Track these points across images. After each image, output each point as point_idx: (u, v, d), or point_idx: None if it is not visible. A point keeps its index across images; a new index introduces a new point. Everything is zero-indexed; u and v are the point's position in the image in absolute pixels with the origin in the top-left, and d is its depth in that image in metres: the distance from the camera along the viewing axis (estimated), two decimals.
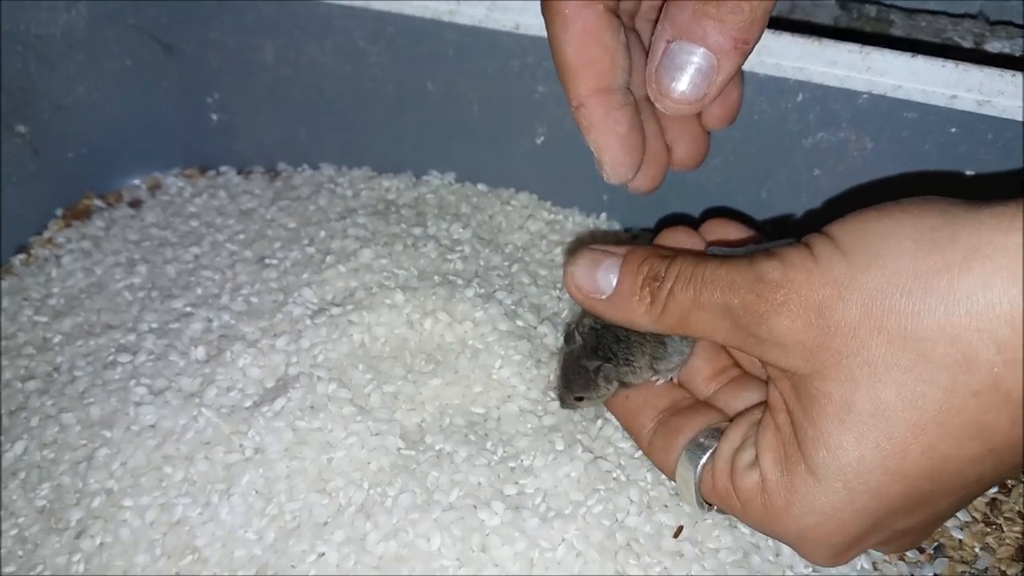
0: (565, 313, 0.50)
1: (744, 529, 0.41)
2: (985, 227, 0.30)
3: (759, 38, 0.35)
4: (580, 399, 0.42)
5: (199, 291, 0.51)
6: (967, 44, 0.56)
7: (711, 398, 0.41)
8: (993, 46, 0.55)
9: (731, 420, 0.39)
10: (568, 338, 0.42)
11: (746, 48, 0.35)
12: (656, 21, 0.37)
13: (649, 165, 0.40)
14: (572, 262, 0.39)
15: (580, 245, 0.45)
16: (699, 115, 0.42)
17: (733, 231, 0.42)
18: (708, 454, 0.38)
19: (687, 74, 0.35)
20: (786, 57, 0.47)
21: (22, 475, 0.44)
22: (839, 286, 0.32)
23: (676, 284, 0.36)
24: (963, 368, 0.30)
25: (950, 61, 0.45)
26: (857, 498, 0.33)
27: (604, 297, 0.38)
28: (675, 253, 0.37)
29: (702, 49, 0.34)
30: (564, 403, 0.43)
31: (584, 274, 0.38)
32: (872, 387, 0.31)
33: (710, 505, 0.39)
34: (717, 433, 0.39)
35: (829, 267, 0.32)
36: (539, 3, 0.38)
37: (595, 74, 0.37)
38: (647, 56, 0.37)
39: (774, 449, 0.35)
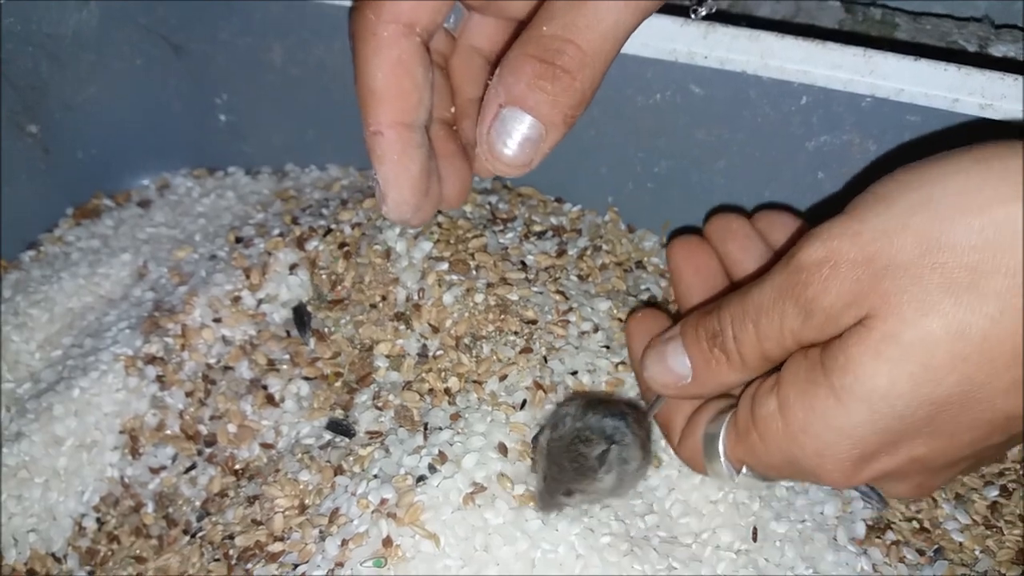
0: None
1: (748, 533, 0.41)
2: None
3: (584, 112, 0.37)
4: (570, 494, 0.40)
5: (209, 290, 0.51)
6: (972, 48, 0.56)
7: None
8: (998, 49, 0.55)
9: None
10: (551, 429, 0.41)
11: (572, 122, 0.36)
12: (491, 62, 0.39)
13: (427, 205, 0.40)
14: (643, 367, 0.40)
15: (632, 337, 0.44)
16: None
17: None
18: (730, 415, 0.38)
19: (516, 140, 0.36)
20: (790, 60, 0.47)
21: (23, 473, 0.45)
22: (889, 234, 0.32)
23: (735, 329, 0.36)
24: (1013, 298, 0.30)
25: (952, 64, 0.45)
26: (880, 419, 0.33)
27: (689, 380, 0.38)
28: (720, 300, 0.37)
29: (533, 119, 0.35)
30: (548, 504, 0.40)
31: (660, 371, 0.39)
32: (919, 321, 0.31)
33: (738, 471, 0.38)
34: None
35: (877, 221, 0.32)
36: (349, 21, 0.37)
37: (401, 107, 0.37)
38: (451, 98, 0.39)
39: (797, 373, 0.35)
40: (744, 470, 0.38)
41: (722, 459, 0.38)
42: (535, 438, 0.43)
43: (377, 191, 0.38)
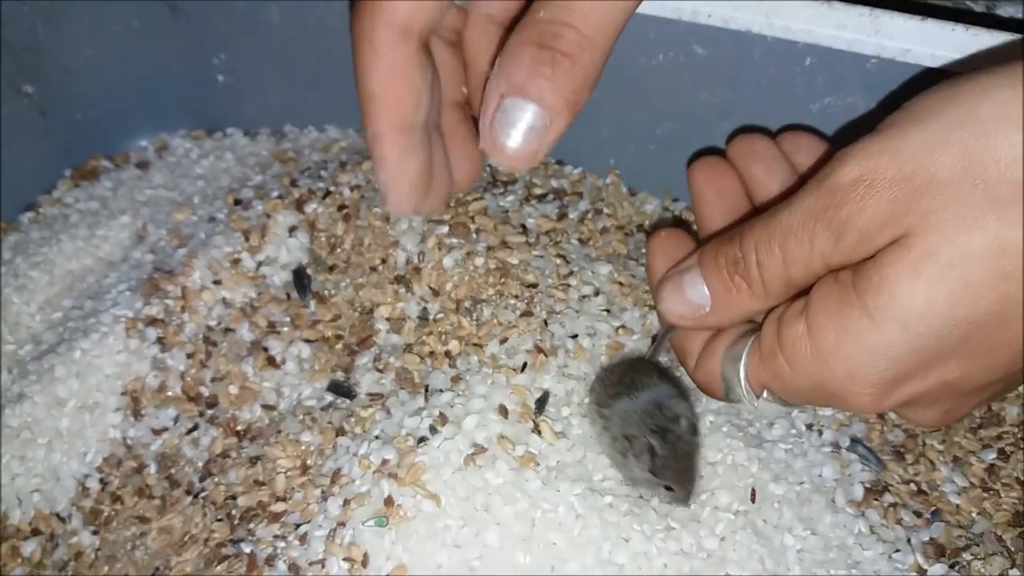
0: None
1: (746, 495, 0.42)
2: None
3: (589, 97, 0.35)
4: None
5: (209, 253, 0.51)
6: (979, 8, 0.55)
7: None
8: (1005, 10, 0.55)
9: None
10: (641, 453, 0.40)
11: (577, 108, 0.35)
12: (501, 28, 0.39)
13: (433, 196, 0.40)
14: (660, 298, 0.39)
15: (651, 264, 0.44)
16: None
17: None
18: (752, 340, 0.38)
19: (520, 131, 0.35)
20: (795, 20, 0.47)
21: (25, 434, 0.45)
22: (930, 151, 0.31)
23: (759, 254, 0.35)
24: None
25: (960, 25, 0.44)
26: (915, 339, 0.32)
27: (708, 309, 0.38)
28: (741, 226, 0.37)
29: (536, 107, 0.34)
30: (691, 493, 0.41)
31: (677, 302, 0.39)
32: (960, 237, 0.31)
33: (758, 396, 0.38)
34: (759, 328, 0.38)
35: (917, 138, 0.32)
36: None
37: (398, 112, 0.37)
38: (464, 76, 0.39)
39: (827, 296, 0.34)
40: (765, 395, 0.38)
41: (742, 383, 0.38)
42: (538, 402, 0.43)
43: (380, 192, 0.39)
